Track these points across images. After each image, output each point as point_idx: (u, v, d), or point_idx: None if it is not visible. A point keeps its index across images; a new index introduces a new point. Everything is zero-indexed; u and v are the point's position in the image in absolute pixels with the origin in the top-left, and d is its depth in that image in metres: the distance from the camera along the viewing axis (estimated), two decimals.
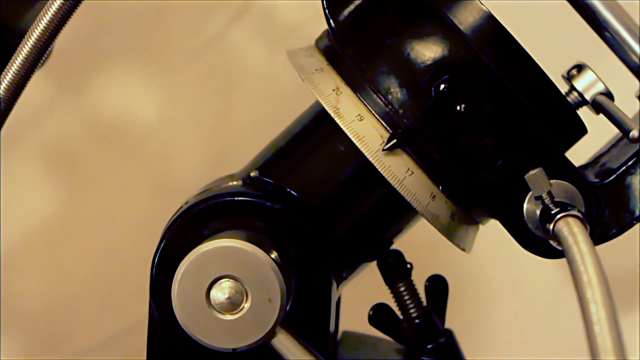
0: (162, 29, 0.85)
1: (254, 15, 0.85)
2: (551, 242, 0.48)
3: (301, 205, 0.52)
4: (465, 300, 0.86)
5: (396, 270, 0.54)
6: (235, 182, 0.53)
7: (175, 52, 0.85)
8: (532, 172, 0.48)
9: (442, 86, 0.48)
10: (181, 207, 0.53)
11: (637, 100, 0.54)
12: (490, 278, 0.86)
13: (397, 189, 0.49)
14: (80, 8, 0.81)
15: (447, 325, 0.56)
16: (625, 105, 0.53)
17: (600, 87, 0.52)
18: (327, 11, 0.51)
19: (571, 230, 0.44)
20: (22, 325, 0.86)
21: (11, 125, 0.82)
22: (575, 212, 0.46)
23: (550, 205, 0.47)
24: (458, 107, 0.48)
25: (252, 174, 0.54)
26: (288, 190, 0.52)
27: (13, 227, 0.84)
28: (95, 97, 0.85)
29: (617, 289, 0.85)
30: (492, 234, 0.54)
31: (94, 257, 0.86)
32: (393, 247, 0.55)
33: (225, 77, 0.86)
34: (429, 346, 0.54)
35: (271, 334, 0.49)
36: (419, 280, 0.56)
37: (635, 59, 0.53)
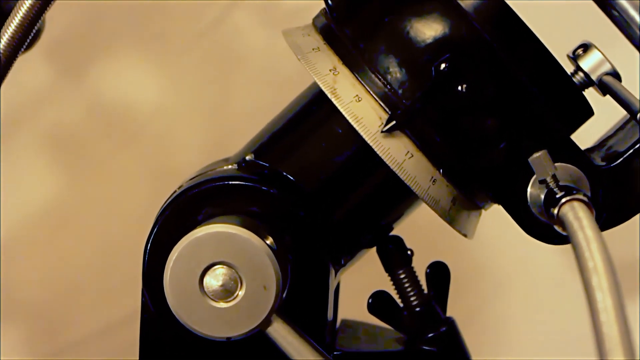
0: (161, 15, 0.84)
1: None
2: (556, 227, 0.46)
3: (298, 189, 0.50)
4: (468, 288, 0.84)
5: (396, 257, 0.53)
6: (230, 166, 0.52)
7: (174, 38, 0.84)
8: (536, 154, 0.46)
9: (443, 65, 0.47)
10: (174, 191, 0.52)
11: None
12: (495, 265, 0.85)
13: (397, 172, 0.47)
14: None
15: (450, 313, 0.54)
16: (633, 86, 0.52)
17: (607, 67, 0.50)
18: None
19: (576, 214, 0.43)
20: (22, 314, 0.85)
21: (10, 112, 0.82)
22: (580, 196, 0.44)
23: (554, 189, 0.46)
24: (459, 88, 0.47)
25: (247, 158, 0.52)
26: (284, 174, 0.51)
27: (12, 214, 0.83)
28: (95, 83, 0.84)
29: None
30: (497, 219, 0.53)
31: (93, 244, 0.85)
32: (393, 233, 0.54)
33: (224, 62, 0.85)
34: (430, 335, 0.53)
35: (266, 322, 0.48)
36: (421, 267, 0.54)
37: None
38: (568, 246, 0.43)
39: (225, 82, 0.85)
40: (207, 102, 0.85)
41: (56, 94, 0.84)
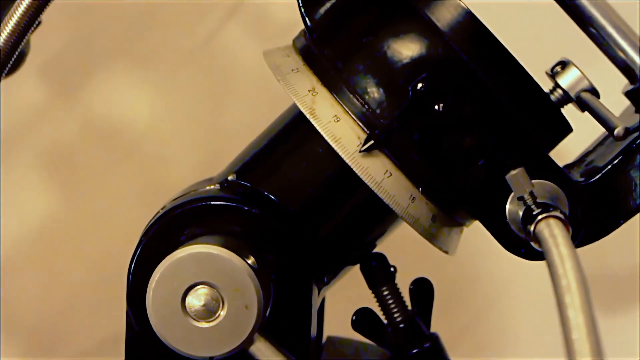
0: (155, 31, 0.84)
1: (247, 15, 0.84)
2: (532, 243, 0.47)
3: (279, 209, 0.51)
4: (459, 304, 0.84)
5: (379, 274, 0.53)
6: (212, 186, 0.52)
7: (168, 54, 0.85)
8: (513, 172, 0.47)
9: (420, 85, 0.47)
10: (158, 212, 0.52)
11: (624, 97, 0.53)
12: (485, 280, 0.85)
13: (375, 191, 0.48)
14: (72, 11, 0.81)
15: (441, 329, 0.54)
16: (612, 102, 0.52)
17: (585, 84, 0.50)
18: (302, 9, 0.50)
19: (552, 232, 0.43)
20: (20, 329, 0.85)
21: (6, 131, 0.82)
22: (556, 213, 0.45)
23: (532, 206, 0.46)
24: (436, 107, 0.47)
25: (229, 178, 0.52)
26: (266, 193, 0.51)
27: (9, 231, 0.83)
28: (90, 99, 0.85)
29: (617, 288, 0.84)
30: (485, 234, 0.53)
31: (90, 259, 0.85)
32: (377, 249, 0.54)
33: (218, 78, 0.85)
34: (414, 351, 0.53)
35: (249, 341, 0.48)
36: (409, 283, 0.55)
37: (621, 55, 0.51)
38: None
39: (218, 98, 0.85)
40: (200, 119, 0.86)
41: (51, 112, 0.84)
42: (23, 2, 0.46)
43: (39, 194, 0.85)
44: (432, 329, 0.54)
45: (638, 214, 0.50)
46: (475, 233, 0.53)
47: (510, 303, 0.85)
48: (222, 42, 0.84)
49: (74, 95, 0.85)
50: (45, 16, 0.56)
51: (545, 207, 0.46)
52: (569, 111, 0.51)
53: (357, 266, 0.54)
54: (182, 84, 0.85)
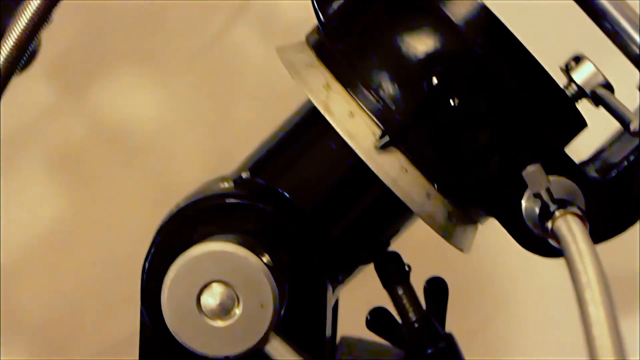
0: (162, 32, 0.84)
1: (254, 15, 0.84)
2: (550, 240, 0.46)
3: (294, 206, 0.50)
4: (472, 303, 0.84)
5: (394, 273, 0.53)
6: (226, 184, 0.52)
7: (175, 54, 0.85)
8: (529, 168, 0.46)
9: (435, 80, 0.47)
10: (171, 210, 0.52)
11: (639, 92, 0.53)
12: (496, 280, 0.85)
13: (391, 188, 0.48)
14: (79, 12, 0.81)
15: (453, 329, 0.54)
16: (627, 97, 0.52)
17: (599, 79, 0.50)
18: (316, 5, 0.50)
19: (570, 228, 0.43)
20: (25, 331, 0.85)
21: (13, 131, 0.82)
22: (575, 210, 0.44)
23: (549, 203, 0.46)
24: (452, 102, 0.47)
25: (243, 176, 0.52)
26: (280, 191, 0.51)
27: (17, 232, 0.83)
28: (97, 100, 0.85)
29: (617, 289, 0.84)
30: (499, 232, 0.53)
31: (98, 260, 0.85)
32: (391, 248, 0.54)
33: (225, 78, 0.85)
34: (429, 351, 0.52)
35: (264, 340, 0.48)
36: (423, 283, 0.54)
37: (635, 49, 0.51)
38: None
39: (225, 97, 0.85)
40: (208, 118, 0.85)
41: (58, 113, 0.84)
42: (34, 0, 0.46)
43: (47, 194, 0.85)
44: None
45: None
46: (486, 233, 0.53)
47: (521, 303, 0.85)
48: (229, 42, 0.84)
49: (82, 96, 0.85)
50: (54, 16, 0.56)
51: (562, 204, 0.45)
52: (583, 107, 0.51)
53: (372, 265, 0.54)
54: (190, 84, 0.85)
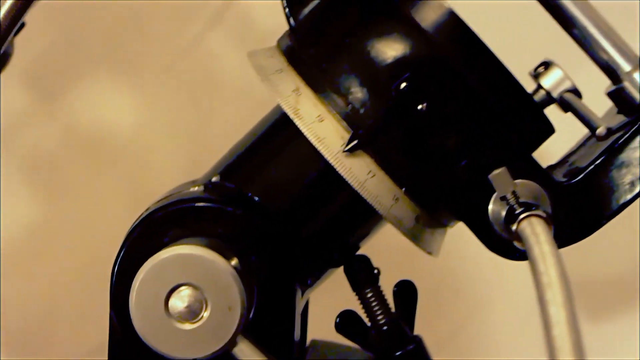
0: (139, 37, 0.84)
1: (231, 20, 0.84)
2: (515, 243, 0.47)
3: (264, 210, 0.51)
4: (448, 306, 0.84)
5: (363, 276, 0.53)
6: (196, 188, 0.52)
7: (153, 59, 0.85)
8: (495, 171, 0.47)
9: (403, 85, 0.47)
10: (142, 214, 0.52)
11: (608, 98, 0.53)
12: (473, 282, 0.85)
13: (359, 191, 0.48)
14: (55, 16, 0.81)
15: (428, 332, 0.54)
16: (597, 103, 0.53)
17: (567, 85, 0.50)
18: (287, 10, 0.50)
19: (534, 230, 0.43)
20: (2, 334, 0.85)
21: None
22: (539, 212, 0.45)
23: (514, 206, 0.46)
24: (420, 107, 0.47)
25: (213, 179, 0.52)
26: (250, 195, 0.51)
27: None
28: (73, 105, 0.85)
29: (617, 290, 0.84)
30: (472, 238, 0.53)
31: (72, 268, 0.85)
32: (368, 253, 0.54)
33: (203, 83, 0.85)
34: (397, 353, 0.53)
35: (232, 343, 0.48)
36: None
37: (604, 55, 0.52)
38: None
39: (203, 104, 0.85)
40: (184, 125, 0.85)
41: (33, 119, 0.84)
42: (6, 2, 0.46)
43: (22, 199, 0.85)
44: (419, 332, 0.54)
45: (638, 216, 0.50)
46: (462, 236, 0.53)
47: (496, 306, 0.86)
48: (207, 48, 0.84)
49: (57, 101, 0.84)
50: (29, 20, 0.56)
51: (527, 207, 0.46)
52: (554, 112, 0.51)
53: (342, 268, 0.54)
54: (167, 90, 0.85)
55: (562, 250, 0.50)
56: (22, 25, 0.56)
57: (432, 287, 0.81)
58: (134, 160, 0.85)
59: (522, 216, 0.45)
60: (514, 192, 0.46)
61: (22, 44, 0.69)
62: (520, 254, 0.48)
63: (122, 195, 0.85)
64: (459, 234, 0.53)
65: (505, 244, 0.48)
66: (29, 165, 0.84)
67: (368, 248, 0.55)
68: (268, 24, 0.83)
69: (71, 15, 0.83)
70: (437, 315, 0.83)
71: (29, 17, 0.56)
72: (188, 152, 0.85)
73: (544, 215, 0.45)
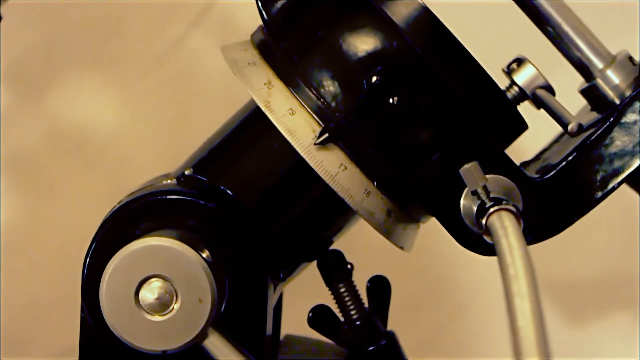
0: (121, 36, 0.84)
1: (213, 21, 0.84)
2: (485, 237, 0.47)
3: (236, 203, 0.51)
4: (432, 304, 0.84)
5: (336, 271, 0.53)
6: (169, 181, 0.52)
7: (133, 60, 0.85)
8: (466, 166, 0.47)
9: (375, 78, 0.47)
10: (114, 206, 0.52)
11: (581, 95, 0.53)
12: (458, 281, 0.85)
13: (330, 184, 0.48)
14: (36, 15, 0.81)
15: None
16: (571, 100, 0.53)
17: (540, 81, 0.50)
18: (259, 3, 0.50)
19: (502, 223, 0.43)
20: None
21: None
22: (508, 206, 0.45)
23: (485, 200, 0.46)
24: (391, 100, 0.47)
25: (186, 172, 0.52)
26: (222, 188, 0.51)
27: None
28: (54, 105, 0.84)
29: (617, 288, 0.84)
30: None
31: (53, 267, 0.85)
32: (352, 250, 0.54)
33: (184, 84, 0.85)
34: (370, 348, 0.53)
35: (202, 335, 0.48)
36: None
37: (577, 53, 0.52)
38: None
39: (184, 104, 0.85)
40: (166, 125, 0.85)
41: (14, 117, 0.84)
42: None
43: (4, 198, 0.84)
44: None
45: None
46: (446, 235, 0.53)
47: (481, 304, 0.85)
48: (188, 48, 0.84)
49: (38, 101, 0.84)
50: (10, 19, 0.56)
51: (498, 201, 0.46)
52: (529, 109, 0.52)
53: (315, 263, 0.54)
54: (148, 90, 0.85)
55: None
56: None
57: (416, 286, 0.81)
58: (116, 159, 0.85)
59: (491, 210, 0.45)
60: (484, 187, 0.46)
61: (4, 43, 0.69)
62: (491, 249, 0.48)
63: (104, 193, 0.85)
64: (443, 233, 0.53)
65: (476, 238, 0.48)
66: (9, 165, 0.84)
67: (353, 246, 0.55)
68: (250, 23, 0.83)
69: (53, 15, 0.83)
70: (421, 314, 0.82)
71: (12, 17, 0.56)
72: (170, 151, 0.85)
73: (513, 209, 0.45)
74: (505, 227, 0.42)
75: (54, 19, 0.83)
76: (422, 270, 0.83)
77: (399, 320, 0.56)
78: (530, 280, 0.38)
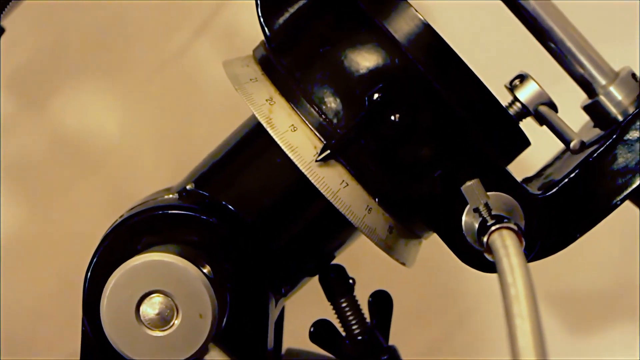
0: (124, 45, 0.84)
1: (217, 31, 0.84)
2: (486, 255, 0.47)
3: (237, 218, 0.51)
4: (435, 316, 0.84)
5: (338, 286, 0.53)
6: (171, 195, 0.52)
7: (137, 68, 0.85)
8: (468, 183, 0.47)
9: (376, 95, 0.47)
10: (116, 220, 0.52)
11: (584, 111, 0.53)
12: (461, 292, 0.85)
13: (332, 201, 0.48)
14: (40, 23, 0.81)
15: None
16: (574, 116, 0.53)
17: (543, 98, 0.50)
18: (261, 19, 0.51)
19: (503, 242, 0.43)
20: None
21: None
22: (510, 225, 0.45)
23: (487, 218, 0.46)
24: (392, 117, 0.47)
25: (188, 187, 0.52)
26: (224, 203, 0.51)
27: None
28: (56, 112, 0.84)
29: (617, 288, 0.84)
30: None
31: (56, 274, 0.85)
32: (353, 264, 0.54)
33: (187, 92, 0.85)
34: None
35: (203, 351, 0.48)
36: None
37: (579, 69, 0.52)
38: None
39: (187, 112, 0.85)
40: (169, 132, 0.85)
41: (18, 124, 0.84)
42: None
43: (6, 204, 0.84)
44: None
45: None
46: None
47: (484, 316, 0.85)
48: (192, 56, 0.84)
49: (42, 107, 0.84)
50: (14, 27, 0.56)
51: (499, 219, 0.46)
52: (531, 125, 0.51)
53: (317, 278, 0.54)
54: (151, 98, 0.85)
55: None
56: (2, 30, 0.56)
57: (423, 293, 0.81)
58: (118, 166, 0.85)
59: (493, 228, 0.45)
60: (486, 204, 0.46)
61: (7, 51, 0.70)
62: (492, 266, 0.48)
63: (106, 200, 0.85)
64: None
65: (477, 255, 0.48)
66: (14, 171, 0.84)
67: (359, 256, 0.55)
68: (252, 34, 0.83)
69: (57, 21, 0.83)
70: (429, 320, 0.82)
71: (16, 23, 0.56)
72: (172, 159, 0.85)
73: (515, 227, 0.45)
74: (506, 246, 0.42)
75: (56, 27, 0.83)
76: (429, 276, 0.83)
77: (407, 327, 0.56)
78: (531, 300, 0.38)
